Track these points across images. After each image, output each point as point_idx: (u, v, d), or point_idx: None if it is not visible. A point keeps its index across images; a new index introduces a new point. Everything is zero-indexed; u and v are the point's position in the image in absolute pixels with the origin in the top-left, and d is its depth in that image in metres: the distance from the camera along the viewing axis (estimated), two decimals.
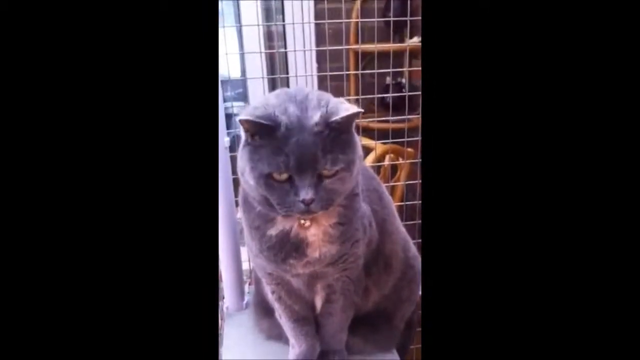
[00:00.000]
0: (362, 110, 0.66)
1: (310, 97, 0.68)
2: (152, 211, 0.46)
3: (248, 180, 0.67)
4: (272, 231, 0.74)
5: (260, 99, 0.70)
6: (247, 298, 1.09)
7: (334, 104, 0.67)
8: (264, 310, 0.96)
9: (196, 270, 0.49)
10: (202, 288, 0.49)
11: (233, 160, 0.96)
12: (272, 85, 1.50)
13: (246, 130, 0.67)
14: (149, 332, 0.47)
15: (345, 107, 0.66)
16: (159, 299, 0.47)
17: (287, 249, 0.74)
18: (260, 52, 1.21)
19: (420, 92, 0.94)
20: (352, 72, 1.72)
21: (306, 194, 0.64)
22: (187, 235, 0.48)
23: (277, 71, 1.93)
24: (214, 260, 0.75)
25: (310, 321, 0.88)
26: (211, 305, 0.53)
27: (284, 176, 0.65)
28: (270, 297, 0.88)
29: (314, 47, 1.60)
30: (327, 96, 0.69)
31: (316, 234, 0.74)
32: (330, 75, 1.28)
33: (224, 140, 0.98)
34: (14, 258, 0.41)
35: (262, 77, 1.37)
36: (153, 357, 0.47)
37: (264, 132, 0.64)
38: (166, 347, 0.47)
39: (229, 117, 1.15)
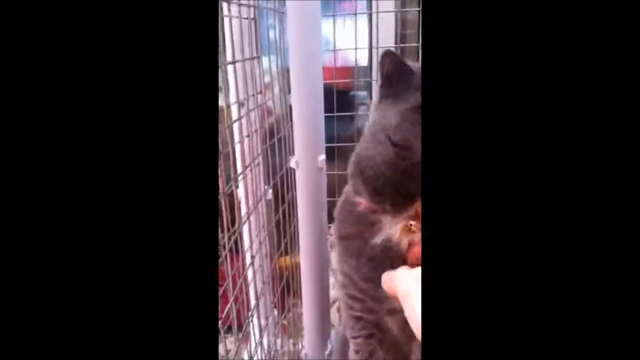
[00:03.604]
0: None
1: None
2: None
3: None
4: (378, 238, 0.56)
5: None
6: (330, 346, 0.87)
7: None
8: None
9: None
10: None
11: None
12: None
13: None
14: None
15: None
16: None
17: (386, 262, 0.54)
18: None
19: None
20: None
21: None
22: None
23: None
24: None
25: None
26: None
27: None
28: (354, 358, 0.65)
29: None
30: None
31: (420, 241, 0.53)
32: None
33: (317, 159, 0.77)
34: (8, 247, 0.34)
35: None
36: None
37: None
38: None
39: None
